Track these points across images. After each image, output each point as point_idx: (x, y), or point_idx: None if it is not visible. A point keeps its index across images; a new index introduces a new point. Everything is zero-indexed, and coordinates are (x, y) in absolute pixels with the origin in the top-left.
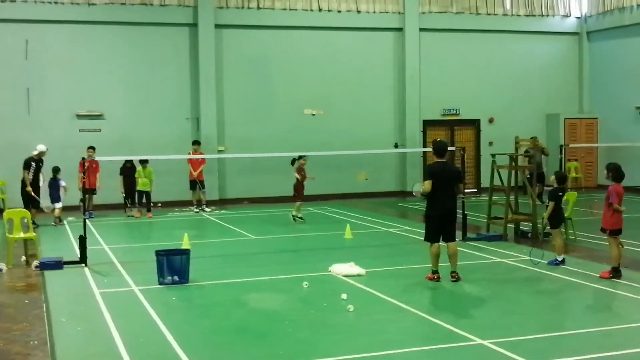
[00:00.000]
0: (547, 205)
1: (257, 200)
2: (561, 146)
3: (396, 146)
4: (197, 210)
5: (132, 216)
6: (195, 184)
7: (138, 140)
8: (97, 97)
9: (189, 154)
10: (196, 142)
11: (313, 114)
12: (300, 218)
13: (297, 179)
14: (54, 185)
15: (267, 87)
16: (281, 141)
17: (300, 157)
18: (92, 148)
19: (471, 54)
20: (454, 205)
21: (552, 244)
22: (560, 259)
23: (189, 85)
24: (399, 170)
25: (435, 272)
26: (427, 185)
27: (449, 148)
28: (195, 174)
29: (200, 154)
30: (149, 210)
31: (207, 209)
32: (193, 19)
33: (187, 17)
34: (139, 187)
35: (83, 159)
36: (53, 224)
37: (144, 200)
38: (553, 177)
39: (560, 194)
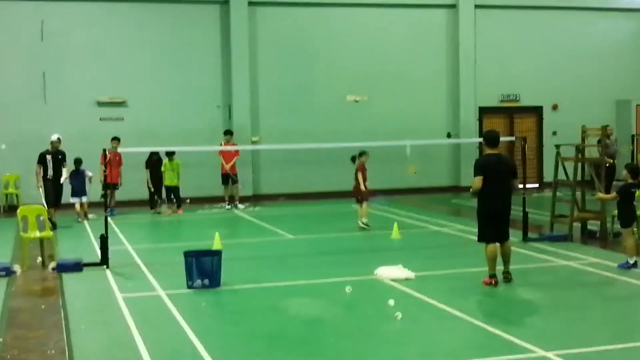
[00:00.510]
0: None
1: (294, 196)
2: (633, 136)
3: (449, 136)
4: (229, 207)
5: (160, 213)
6: (228, 178)
7: (164, 130)
8: (119, 83)
9: (221, 144)
10: (228, 132)
11: (356, 100)
12: (366, 225)
13: (358, 182)
14: (77, 177)
15: (306, 70)
16: (321, 131)
17: (361, 154)
18: (117, 139)
19: (532, 33)
20: (508, 203)
21: (623, 245)
22: (632, 261)
23: (220, 69)
24: (451, 163)
25: (492, 275)
26: (477, 182)
27: (507, 138)
28: (227, 166)
29: (233, 144)
30: (178, 207)
31: (240, 206)
32: None
33: None
34: (166, 182)
35: (104, 150)
36: (78, 220)
37: (172, 196)
38: (625, 171)
39: (633, 189)
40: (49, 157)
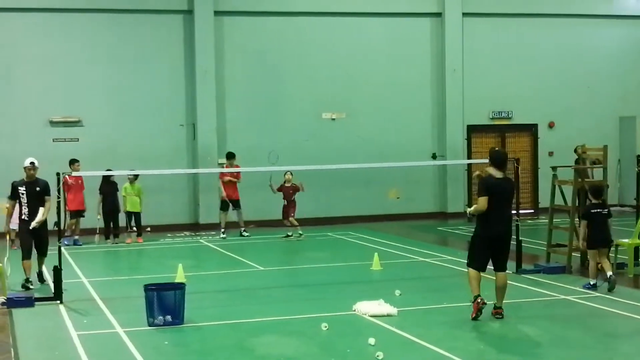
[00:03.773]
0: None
1: (265, 223)
2: (638, 157)
3: (434, 157)
4: (224, 235)
5: (117, 243)
6: (228, 204)
7: (123, 151)
8: (74, 101)
9: (224, 167)
10: (231, 155)
11: (333, 118)
12: (288, 236)
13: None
14: None
15: (278, 85)
16: (294, 151)
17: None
18: (77, 161)
19: (526, 43)
20: (509, 229)
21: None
22: (592, 283)
23: (183, 84)
24: (437, 187)
25: (477, 297)
26: (482, 202)
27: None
28: (228, 192)
29: (236, 167)
30: (139, 235)
31: (245, 233)
32: (188, 5)
33: (182, 2)
34: (128, 208)
35: (58, 174)
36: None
37: (133, 222)
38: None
39: (597, 210)
40: (21, 189)
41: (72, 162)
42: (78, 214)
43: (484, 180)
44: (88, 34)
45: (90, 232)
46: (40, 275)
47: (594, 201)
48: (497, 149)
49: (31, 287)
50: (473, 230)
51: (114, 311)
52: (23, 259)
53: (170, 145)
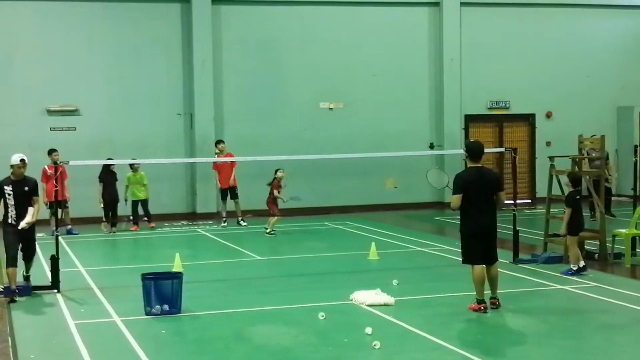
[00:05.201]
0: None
1: (263, 213)
2: (635, 146)
3: (432, 147)
4: (225, 223)
5: (114, 232)
6: (226, 192)
7: (120, 140)
8: (71, 89)
9: (217, 156)
10: (221, 142)
11: (331, 108)
12: (271, 233)
13: (274, 196)
14: None
15: (275, 75)
16: (291, 141)
17: (276, 171)
18: (55, 150)
19: (524, 33)
20: (493, 220)
21: (568, 254)
22: (575, 267)
23: (180, 73)
24: None
25: (481, 301)
26: (455, 200)
27: (497, 149)
28: (231, 181)
29: (229, 154)
30: (135, 223)
31: (243, 222)
32: None
33: None
34: (133, 197)
35: (56, 163)
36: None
37: (141, 211)
38: (567, 179)
39: (578, 197)
40: (8, 188)
41: (51, 151)
42: (63, 204)
43: (457, 177)
44: (86, 23)
45: (89, 221)
46: (27, 279)
47: (572, 189)
48: (472, 139)
49: (16, 298)
50: (460, 221)
51: (112, 300)
52: (7, 267)
53: (167, 135)
